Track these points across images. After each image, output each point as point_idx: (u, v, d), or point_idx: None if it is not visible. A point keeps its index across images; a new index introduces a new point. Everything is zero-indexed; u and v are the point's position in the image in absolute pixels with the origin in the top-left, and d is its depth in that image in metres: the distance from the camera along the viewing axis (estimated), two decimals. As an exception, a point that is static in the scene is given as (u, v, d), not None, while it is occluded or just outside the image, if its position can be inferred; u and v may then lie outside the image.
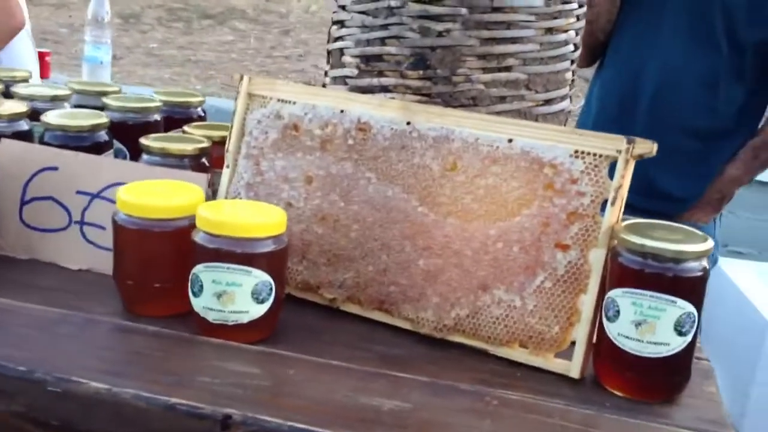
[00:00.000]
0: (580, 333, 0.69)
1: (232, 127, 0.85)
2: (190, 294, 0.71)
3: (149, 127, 1.02)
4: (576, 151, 0.70)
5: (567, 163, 0.70)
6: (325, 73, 0.92)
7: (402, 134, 0.77)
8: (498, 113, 0.81)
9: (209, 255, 0.69)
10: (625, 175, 0.68)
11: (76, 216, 0.83)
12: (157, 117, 1.05)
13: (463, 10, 0.78)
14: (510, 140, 0.73)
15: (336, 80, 0.87)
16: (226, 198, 0.85)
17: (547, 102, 0.83)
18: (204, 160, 0.92)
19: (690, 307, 0.64)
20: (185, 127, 1.02)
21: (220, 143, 0.96)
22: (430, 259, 0.75)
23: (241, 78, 0.85)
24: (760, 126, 1.63)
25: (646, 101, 1.59)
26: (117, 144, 0.98)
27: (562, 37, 0.83)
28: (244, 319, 0.70)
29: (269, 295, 0.70)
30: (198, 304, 0.70)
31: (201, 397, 0.60)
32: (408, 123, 0.77)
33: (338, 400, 0.62)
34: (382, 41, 0.81)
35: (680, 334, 0.64)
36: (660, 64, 1.58)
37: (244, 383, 0.63)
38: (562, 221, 0.70)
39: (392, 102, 0.78)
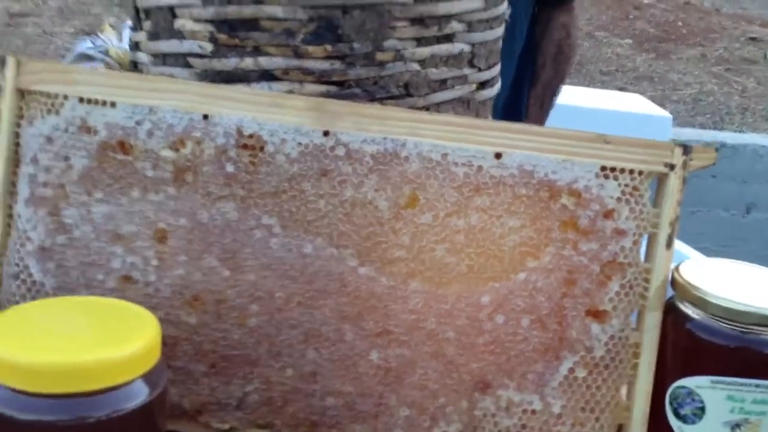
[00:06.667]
0: (633, 438, 0.47)
1: (-6, 149, 0.49)
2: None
3: None
4: (604, 168, 0.47)
5: (594, 187, 0.47)
6: (135, 45, 0.58)
7: (319, 152, 0.47)
8: (438, 105, 0.54)
9: (24, 435, 0.35)
10: (681, 200, 0.47)
11: None
12: None
13: (390, -52, 0.49)
14: (498, 155, 0.47)
15: (166, 60, 0.54)
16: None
17: (486, 83, 0.59)
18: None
19: (797, 389, 0.45)
20: None
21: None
22: (390, 350, 0.47)
23: (2, 63, 0.49)
24: (535, 72, 1.56)
25: None
26: None
27: (503, -12, 0.58)
28: None
29: (148, 476, 0.38)
30: None
31: None
32: (326, 133, 0.48)
33: None
34: (258, -3, 0.50)
35: (784, 426, 0.45)
36: None
37: None
38: (596, 277, 0.47)
39: (294, 99, 0.48)
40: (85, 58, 1.42)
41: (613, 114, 2.09)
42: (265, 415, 0.48)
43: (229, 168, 0.48)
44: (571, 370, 0.47)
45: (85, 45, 1.48)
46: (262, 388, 0.48)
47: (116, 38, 1.46)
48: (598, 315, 0.47)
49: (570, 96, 2.27)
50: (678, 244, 1.11)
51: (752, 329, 0.43)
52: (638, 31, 4.02)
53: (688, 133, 2.43)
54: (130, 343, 0.38)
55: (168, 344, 0.47)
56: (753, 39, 4.19)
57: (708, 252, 1.06)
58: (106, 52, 1.40)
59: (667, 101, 3.24)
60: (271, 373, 0.48)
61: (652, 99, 2.86)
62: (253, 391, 0.48)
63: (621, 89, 3.25)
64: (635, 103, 2.28)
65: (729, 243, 2.17)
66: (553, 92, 1.55)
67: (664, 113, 2.16)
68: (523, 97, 1.55)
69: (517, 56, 1.49)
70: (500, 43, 0.60)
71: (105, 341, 0.38)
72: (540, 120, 1.62)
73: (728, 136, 2.38)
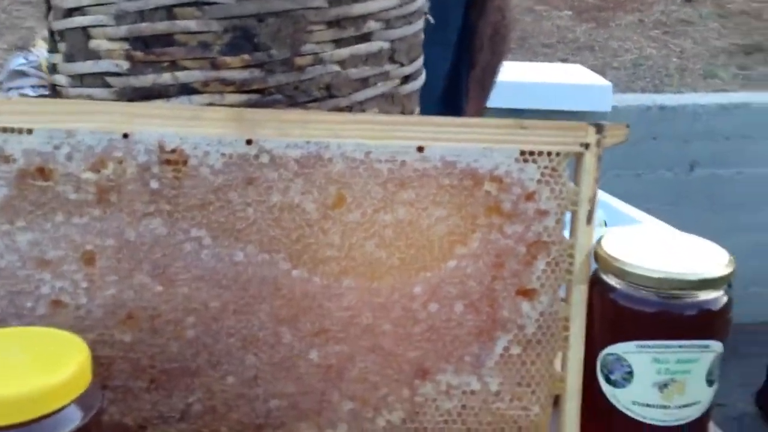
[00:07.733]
0: (570, 410, 0.48)
1: None
2: None
3: None
4: (523, 152, 0.48)
5: (515, 172, 0.48)
6: (53, 68, 0.57)
7: (243, 161, 0.48)
8: (361, 103, 0.55)
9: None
10: (598, 178, 0.48)
11: None
12: None
13: (297, -48, 0.50)
14: (420, 148, 0.48)
15: (83, 81, 0.53)
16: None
17: (410, 77, 0.59)
18: None
19: (720, 346, 0.47)
20: None
21: None
22: (328, 347, 0.48)
23: None
24: (473, 55, 1.57)
25: None
26: None
27: (417, -19, 0.59)
28: None
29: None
30: None
31: None
32: (249, 142, 0.48)
33: None
34: (169, 11, 0.50)
35: (710, 383, 0.47)
36: None
37: None
38: (522, 257, 0.48)
39: (214, 110, 0.48)
40: (19, 74, 1.39)
41: (555, 87, 2.12)
42: (210, 424, 0.48)
43: (154, 184, 0.48)
44: (506, 349, 0.48)
45: (18, 61, 1.45)
46: (205, 398, 0.48)
47: (49, 52, 1.42)
48: (527, 293, 0.48)
49: (511, 72, 2.28)
50: (626, 208, 1.13)
51: (671, 293, 0.45)
52: (577, 2, 4.06)
53: (629, 99, 2.47)
54: (59, 370, 0.38)
55: (104, 364, 0.47)
56: (689, 0, 4.27)
57: (656, 212, 1.09)
58: (39, 67, 1.37)
59: (608, 68, 3.29)
60: (212, 382, 0.48)
61: (594, 68, 2.89)
62: (195, 401, 0.48)
63: (563, 61, 3.29)
64: (576, 74, 2.31)
65: (675, 201, 2.22)
66: (493, 73, 1.56)
67: (604, 82, 2.19)
68: (462, 83, 1.56)
69: (453, 44, 1.50)
70: (421, 36, 0.61)
71: (34, 370, 0.38)
72: (481, 102, 1.63)
73: (667, 98, 2.42)
